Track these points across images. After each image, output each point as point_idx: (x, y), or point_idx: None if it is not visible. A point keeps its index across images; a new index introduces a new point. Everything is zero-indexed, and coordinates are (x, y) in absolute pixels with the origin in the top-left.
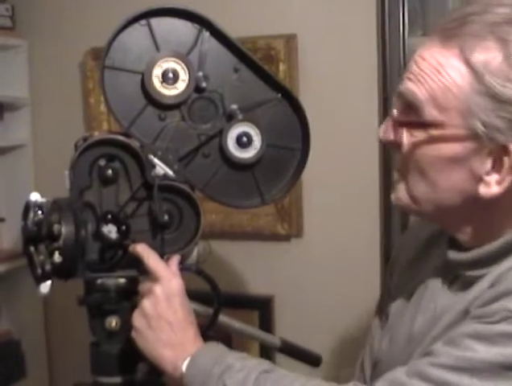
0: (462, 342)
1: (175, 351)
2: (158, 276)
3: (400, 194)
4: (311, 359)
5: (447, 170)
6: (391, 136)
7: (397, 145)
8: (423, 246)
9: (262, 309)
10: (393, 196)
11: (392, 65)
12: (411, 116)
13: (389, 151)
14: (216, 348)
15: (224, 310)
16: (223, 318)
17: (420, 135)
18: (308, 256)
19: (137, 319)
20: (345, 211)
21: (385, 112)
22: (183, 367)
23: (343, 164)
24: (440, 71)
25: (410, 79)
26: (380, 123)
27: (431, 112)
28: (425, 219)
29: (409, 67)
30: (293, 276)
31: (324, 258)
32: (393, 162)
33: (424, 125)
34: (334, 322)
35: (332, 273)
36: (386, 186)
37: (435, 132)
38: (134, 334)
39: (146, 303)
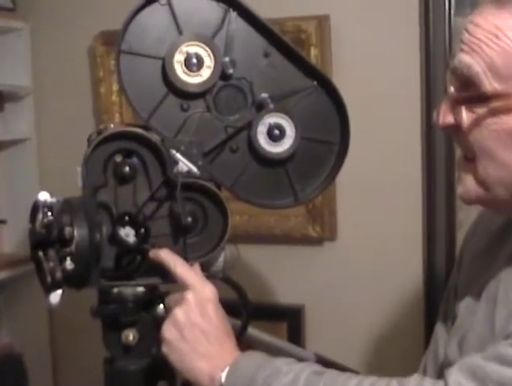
0: None
1: (212, 362)
2: (189, 284)
3: (468, 184)
4: None
5: None
6: (449, 118)
7: (457, 128)
8: (495, 237)
9: (291, 320)
10: (459, 190)
11: (436, 48)
12: (469, 91)
13: (433, 145)
14: (259, 355)
15: (250, 321)
16: (252, 331)
17: (482, 110)
18: (342, 261)
19: (168, 330)
20: (383, 211)
21: (428, 101)
22: (223, 377)
23: (381, 159)
24: (498, 36)
25: (463, 50)
26: (423, 113)
27: (491, 83)
28: (498, 209)
29: (461, 38)
30: (325, 283)
31: (359, 263)
32: (437, 156)
33: (485, 98)
34: (371, 333)
35: (368, 279)
36: (430, 184)
37: (498, 104)
38: (164, 348)
39: (178, 311)
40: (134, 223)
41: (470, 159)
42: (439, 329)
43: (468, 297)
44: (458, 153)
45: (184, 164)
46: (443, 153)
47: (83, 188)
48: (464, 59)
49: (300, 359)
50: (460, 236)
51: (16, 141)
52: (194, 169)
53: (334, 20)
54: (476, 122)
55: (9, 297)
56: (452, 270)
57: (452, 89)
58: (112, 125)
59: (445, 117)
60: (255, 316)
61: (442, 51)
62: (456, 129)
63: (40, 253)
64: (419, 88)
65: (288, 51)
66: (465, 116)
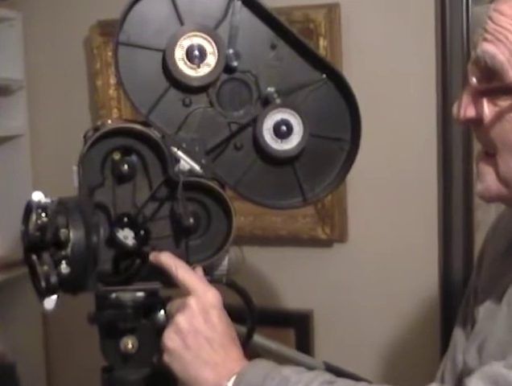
0: None
1: (217, 371)
2: (192, 289)
3: (488, 181)
4: None
5: None
6: (470, 111)
7: (478, 121)
8: None
9: (298, 326)
10: (479, 187)
11: (453, 39)
12: (492, 82)
13: (450, 140)
14: (266, 363)
15: (256, 327)
16: (258, 338)
17: (505, 103)
18: (353, 263)
19: (170, 338)
20: (397, 211)
21: (444, 94)
22: None
23: (394, 156)
24: None
25: (486, 39)
26: (438, 107)
27: None
28: None
29: (484, 27)
30: (335, 287)
31: (371, 266)
32: (454, 152)
33: (509, 89)
34: (384, 340)
35: (381, 283)
36: (446, 182)
37: None
38: (166, 356)
39: (180, 318)
40: (133, 225)
41: (491, 155)
42: (458, 334)
43: (488, 301)
44: (476, 148)
45: (186, 162)
46: (461, 149)
47: (79, 188)
48: (488, 48)
49: (309, 368)
50: (479, 237)
51: (8, 137)
52: (196, 167)
53: (344, 9)
54: (499, 115)
55: (1, 302)
56: (472, 273)
57: (473, 80)
58: (109, 121)
59: (466, 110)
60: (261, 322)
61: (459, 41)
62: (476, 123)
63: (34, 256)
64: (435, 81)
65: (296, 42)
66: (487, 109)
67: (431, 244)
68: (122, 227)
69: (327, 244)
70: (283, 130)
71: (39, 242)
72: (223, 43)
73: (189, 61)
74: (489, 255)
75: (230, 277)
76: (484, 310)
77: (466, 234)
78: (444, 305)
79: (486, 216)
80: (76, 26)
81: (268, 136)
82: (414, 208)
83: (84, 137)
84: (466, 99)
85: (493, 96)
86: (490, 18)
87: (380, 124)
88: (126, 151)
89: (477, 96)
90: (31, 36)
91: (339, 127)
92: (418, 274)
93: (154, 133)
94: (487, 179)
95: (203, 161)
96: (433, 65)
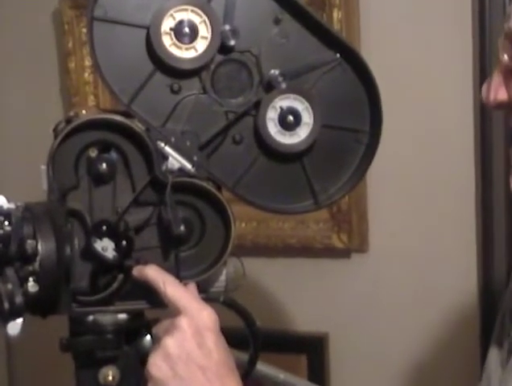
0: None
1: None
2: (183, 308)
3: None
4: None
5: None
6: (502, 94)
7: (511, 105)
8: None
9: (311, 352)
10: None
11: (493, 12)
12: None
13: (489, 131)
14: None
15: (260, 354)
16: (262, 367)
17: None
18: (375, 277)
19: (156, 365)
20: (426, 214)
21: (482, 76)
22: None
23: (423, 150)
24: None
25: None
26: (476, 92)
27: None
28: None
29: None
30: (354, 306)
31: (397, 281)
32: (494, 145)
33: None
34: (411, 369)
35: (407, 301)
36: (485, 180)
37: None
38: None
39: (169, 341)
40: (114, 234)
41: None
42: (492, 362)
43: None
44: None
45: (175, 159)
46: (502, 142)
47: (49, 191)
48: None
49: None
50: None
51: None
52: (188, 165)
53: None
54: None
55: None
56: (507, 288)
57: (505, 57)
58: (84, 112)
59: (497, 92)
60: (266, 348)
61: (500, 13)
62: (510, 107)
63: None
64: (471, 62)
65: (304, 15)
66: None
67: (468, 253)
68: (101, 237)
69: (344, 254)
70: (290, 120)
71: (2, 255)
72: (218, 17)
73: (178, 40)
74: None
75: (229, 295)
76: None
77: (509, 242)
78: (484, 325)
79: None
80: None
81: (272, 127)
82: (448, 211)
83: (55, 130)
84: (497, 79)
85: None
86: None
87: (406, 111)
88: (105, 147)
89: (510, 75)
90: None
91: (356, 116)
92: (452, 289)
93: (138, 126)
94: None
95: (195, 158)
96: (469, 41)
